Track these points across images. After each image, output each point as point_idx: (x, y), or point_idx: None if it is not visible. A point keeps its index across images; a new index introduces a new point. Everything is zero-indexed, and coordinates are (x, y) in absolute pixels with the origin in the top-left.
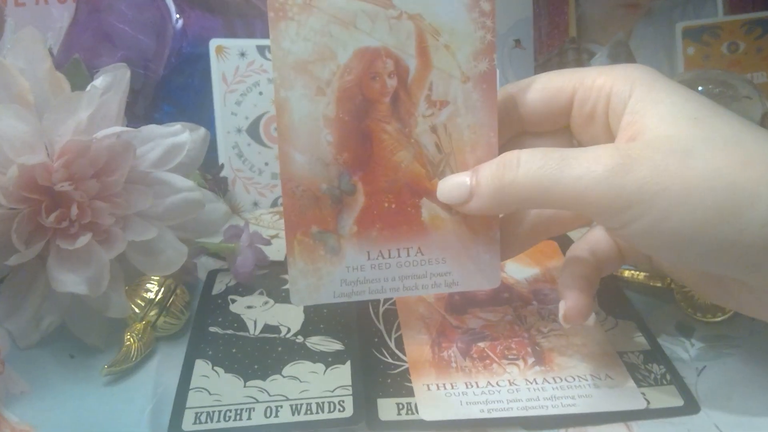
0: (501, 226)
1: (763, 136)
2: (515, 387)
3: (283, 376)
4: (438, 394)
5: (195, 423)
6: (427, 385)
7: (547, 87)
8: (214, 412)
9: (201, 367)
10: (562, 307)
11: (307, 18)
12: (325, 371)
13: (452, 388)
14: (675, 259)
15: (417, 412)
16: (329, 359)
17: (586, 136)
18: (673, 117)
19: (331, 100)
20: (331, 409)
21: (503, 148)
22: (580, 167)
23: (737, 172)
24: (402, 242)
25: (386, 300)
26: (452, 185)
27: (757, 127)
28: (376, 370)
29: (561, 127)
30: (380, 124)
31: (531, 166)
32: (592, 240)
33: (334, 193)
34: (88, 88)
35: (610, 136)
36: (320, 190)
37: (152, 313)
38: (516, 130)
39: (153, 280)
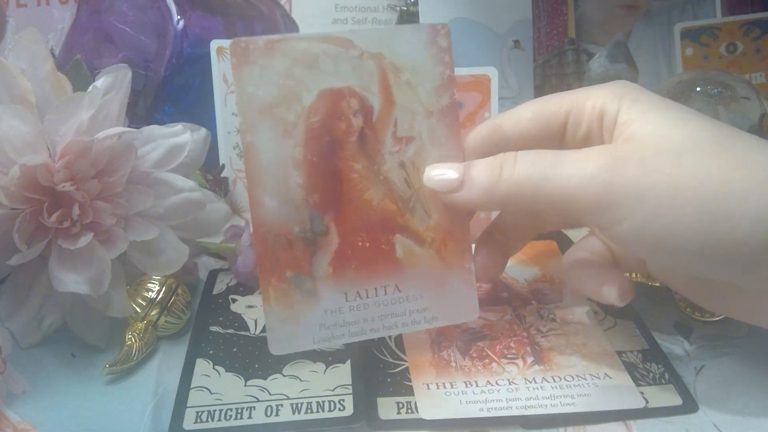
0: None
1: (751, 140)
2: (514, 386)
3: (284, 376)
4: (438, 393)
5: (196, 422)
6: (427, 384)
7: (537, 116)
8: (215, 411)
9: (202, 366)
10: (614, 290)
11: (270, 61)
12: (325, 370)
13: (452, 387)
14: (667, 261)
15: (417, 411)
16: (329, 358)
17: None
18: (661, 120)
19: (299, 142)
20: (332, 408)
21: None
22: (572, 166)
23: (727, 173)
24: (379, 281)
25: None
26: (442, 172)
27: (744, 132)
28: (376, 369)
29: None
30: (349, 163)
31: (526, 164)
32: (586, 247)
33: (307, 235)
34: (90, 88)
35: None
36: (293, 233)
37: (153, 312)
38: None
39: (154, 279)
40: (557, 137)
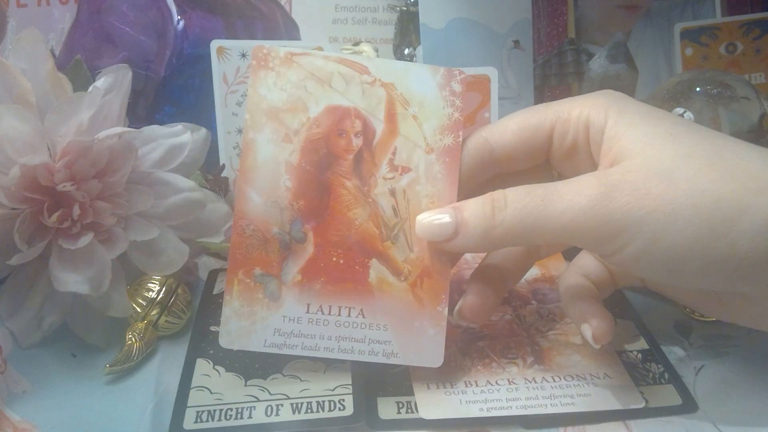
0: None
1: (742, 149)
2: (514, 386)
3: (284, 375)
4: (438, 393)
5: (196, 422)
6: (427, 384)
7: (523, 128)
8: (215, 410)
9: (202, 366)
10: (588, 330)
11: (287, 70)
12: (325, 370)
13: (452, 387)
14: (670, 280)
15: (417, 411)
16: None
17: (569, 168)
18: (650, 136)
19: (297, 149)
20: (332, 408)
21: (481, 189)
22: (564, 201)
23: (721, 187)
24: (345, 301)
25: None
26: (434, 220)
27: (734, 139)
28: (376, 369)
29: (540, 163)
30: (340, 179)
31: (517, 205)
32: (582, 267)
33: (284, 238)
34: (90, 88)
35: (593, 165)
36: (270, 233)
37: (153, 312)
38: (493, 172)
39: (154, 279)
40: (544, 149)
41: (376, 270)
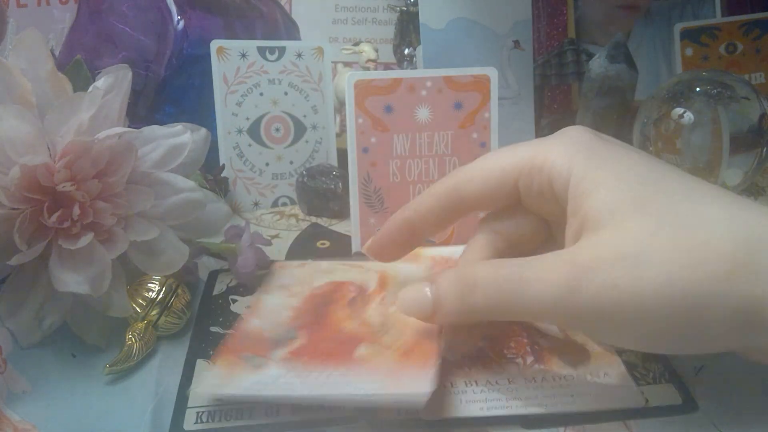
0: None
1: (714, 214)
2: (514, 386)
3: None
4: (437, 393)
5: (196, 422)
6: None
7: (487, 179)
8: (215, 411)
9: (202, 366)
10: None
11: (298, 269)
12: None
13: (452, 386)
14: (645, 350)
15: (417, 411)
16: None
17: (541, 210)
18: (618, 203)
19: (300, 300)
20: (332, 408)
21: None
22: (532, 289)
23: (691, 274)
24: (328, 367)
25: None
26: (414, 300)
27: (708, 194)
28: None
29: (513, 202)
30: (336, 311)
31: (487, 290)
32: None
33: (278, 338)
34: (90, 88)
35: (562, 210)
36: (263, 336)
37: (153, 312)
38: (467, 213)
39: (154, 279)
40: (512, 196)
41: (364, 348)
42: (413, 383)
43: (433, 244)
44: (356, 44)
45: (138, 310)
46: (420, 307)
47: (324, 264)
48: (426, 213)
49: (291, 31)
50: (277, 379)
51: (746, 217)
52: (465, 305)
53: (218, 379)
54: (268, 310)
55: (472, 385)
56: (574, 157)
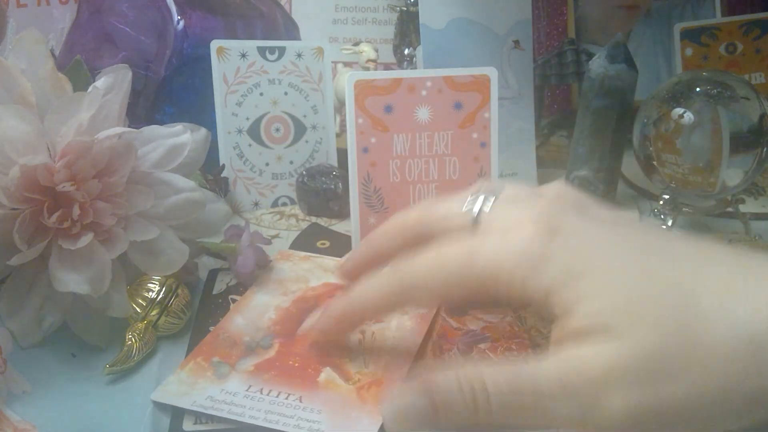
0: None
1: (715, 297)
2: None
3: None
4: None
5: (196, 423)
6: None
7: (465, 290)
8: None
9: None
10: None
11: (300, 262)
12: None
13: None
14: None
15: None
16: None
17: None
18: (610, 311)
19: (290, 299)
20: None
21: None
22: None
23: (706, 383)
24: (287, 388)
25: None
26: (407, 411)
27: (694, 272)
28: None
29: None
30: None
31: (501, 398)
32: None
33: (251, 345)
34: (90, 89)
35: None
36: (241, 340)
37: (153, 312)
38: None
39: (154, 279)
40: (492, 300)
41: (327, 374)
42: (359, 427)
43: None
44: (356, 44)
45: (138, 310)
46: (418, 419)
47: (327, 261)
48: (372, 308)
49: (291, 31)
50: (234, 396)
51: (747, 308)
52: (480, 415)
53: (179, 386)
54: (254, 308)
55: None
56: (546, 272)
